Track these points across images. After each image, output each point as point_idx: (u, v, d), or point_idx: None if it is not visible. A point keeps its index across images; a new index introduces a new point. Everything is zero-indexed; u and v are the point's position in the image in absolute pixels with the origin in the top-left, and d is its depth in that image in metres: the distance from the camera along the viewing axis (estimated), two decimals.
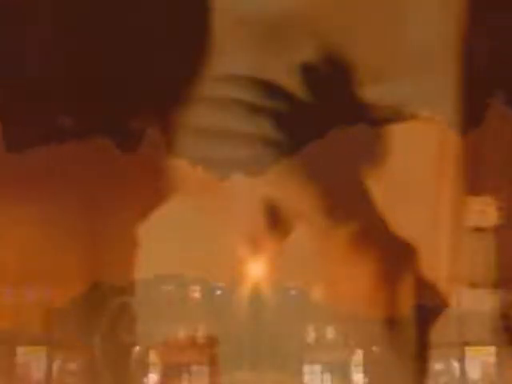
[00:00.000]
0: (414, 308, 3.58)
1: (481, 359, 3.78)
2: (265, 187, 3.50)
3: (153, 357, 3.85)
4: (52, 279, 3.81)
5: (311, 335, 3.83)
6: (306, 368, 3.81)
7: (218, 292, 3.83)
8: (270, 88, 3.50)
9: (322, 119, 3.52)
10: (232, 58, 3.50)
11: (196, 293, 3.87)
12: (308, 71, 3.51)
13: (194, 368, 3.84)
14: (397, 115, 3.57)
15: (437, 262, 3.59)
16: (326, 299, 3.73)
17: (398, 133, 3.59)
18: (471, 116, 3.53)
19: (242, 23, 3.48)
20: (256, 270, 3.69)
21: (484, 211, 3.84)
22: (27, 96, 3.57)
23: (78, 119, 3.62)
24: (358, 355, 3.79)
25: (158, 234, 3.65)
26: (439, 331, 3.60)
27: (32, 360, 3.89)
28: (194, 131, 3.49)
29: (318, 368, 3.82)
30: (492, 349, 3.76)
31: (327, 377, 3.82)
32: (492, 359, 3.76)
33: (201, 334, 3.86)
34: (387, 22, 3.51)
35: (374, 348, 3.71)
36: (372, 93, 3.53)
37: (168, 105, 3.52)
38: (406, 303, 3.59)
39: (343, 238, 3.54)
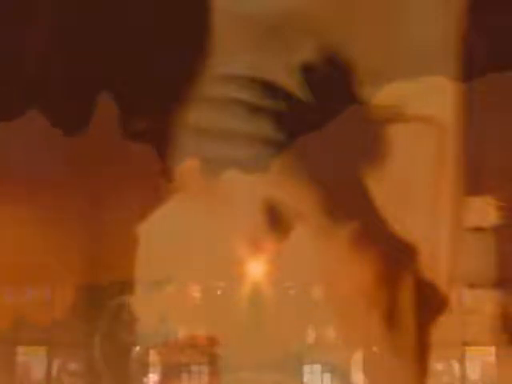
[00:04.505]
0: (414, 308, 3.58)
1: (481, 359, 3.78)
2: (265, 187, 3.51)
3: (153, 357, 3.84)
4: (52, 279, 3.82)
5: (311, 335, 3.83)
6: (306, 368, 3.81)
7: (218, 292, 3.83)
8: (269, 88, 3.50)
9: (321, 119, 3.53)
10: (232, 58, 3.50)
11: (196, 293, 3.87)
12: (308, 71, 3.51)
13: (194, 368, 3.84)
14: (397, 115, 3.57)
15: (437, 262, 3.59)
16: (326, 299, 3.73)
17: (398, 133, 3.59)
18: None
19: (242, 23, 3.48)
20: (256, 269, 3.69)
21: (484, 211, 3.84)
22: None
23: (73, 118, 3.63)
24: (358, 355, 3.79)
25: (157, 234, 3.65)
26: (439, 331, 3.60)
27: (32, 360, 3.89)
28: (194, 131, 3.49)
29: (317, 368, 3.82)
30: (492, 349, 3.76)
31: (327, 377, 3.82)
32: (492, 359, 3.76)
33: (201, 333, 3.85)
34: (387, 21, 3.52)
35: (374, 348, 3.71)
36: (372, 93, 3.54)
37: (168, 105, 3.52)
38: (406, 303, 3.59)
39: (343, 238, 3.54)
